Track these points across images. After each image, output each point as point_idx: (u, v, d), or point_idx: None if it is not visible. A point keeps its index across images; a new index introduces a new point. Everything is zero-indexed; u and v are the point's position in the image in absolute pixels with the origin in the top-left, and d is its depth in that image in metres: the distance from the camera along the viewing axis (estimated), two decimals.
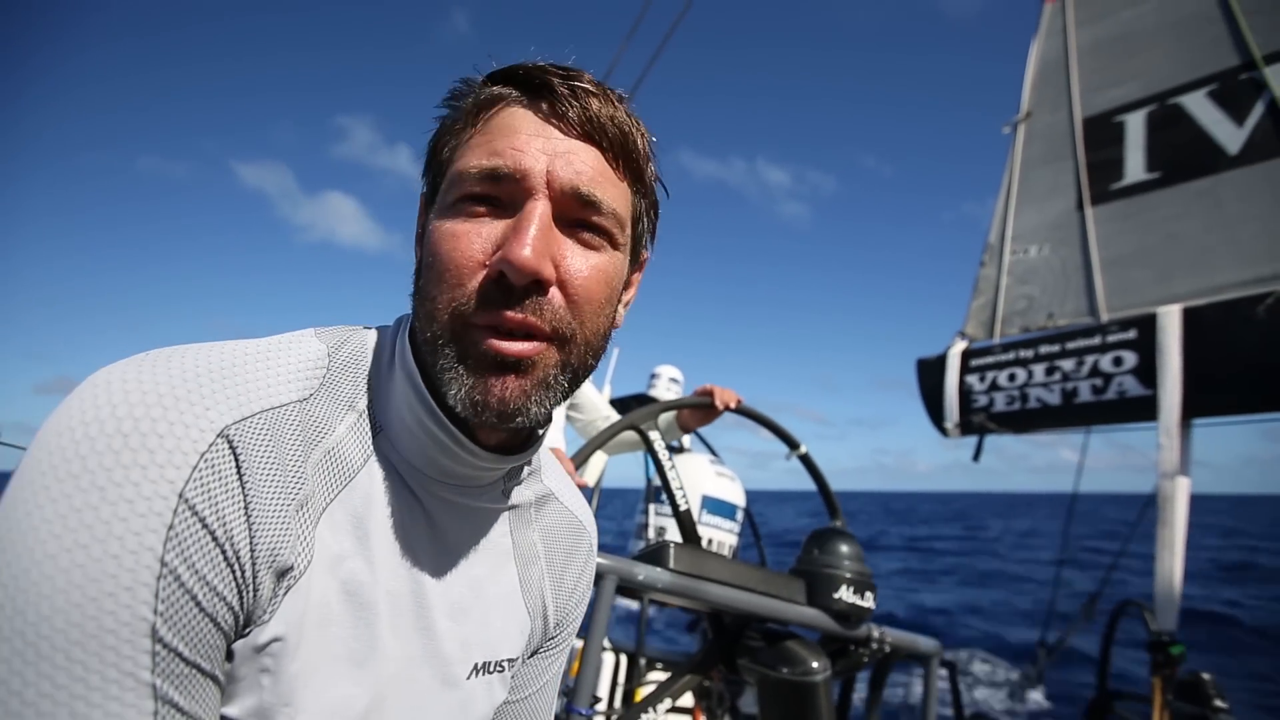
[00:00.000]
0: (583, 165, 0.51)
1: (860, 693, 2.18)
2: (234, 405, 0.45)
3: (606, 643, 2.97)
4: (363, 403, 0.54)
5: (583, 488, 1.75)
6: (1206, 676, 2.30)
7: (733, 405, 1.93)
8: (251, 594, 0.45)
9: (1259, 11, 2.91)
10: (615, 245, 0.54)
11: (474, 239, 0.50)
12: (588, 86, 0.52)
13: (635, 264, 0.62)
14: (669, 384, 3.33)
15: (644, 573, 1.44)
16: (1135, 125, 3.14)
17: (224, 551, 0.43)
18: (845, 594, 1.61)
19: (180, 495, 0.41)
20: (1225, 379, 2.44)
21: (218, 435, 0.43)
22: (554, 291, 0.51)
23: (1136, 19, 3.33)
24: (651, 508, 2.77)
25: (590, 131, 0.52)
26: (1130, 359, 2.62)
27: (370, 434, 0.54)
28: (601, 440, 1.69)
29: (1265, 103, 2.78)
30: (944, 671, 2.44)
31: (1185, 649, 2.27)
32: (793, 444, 1.98)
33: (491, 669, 0.64)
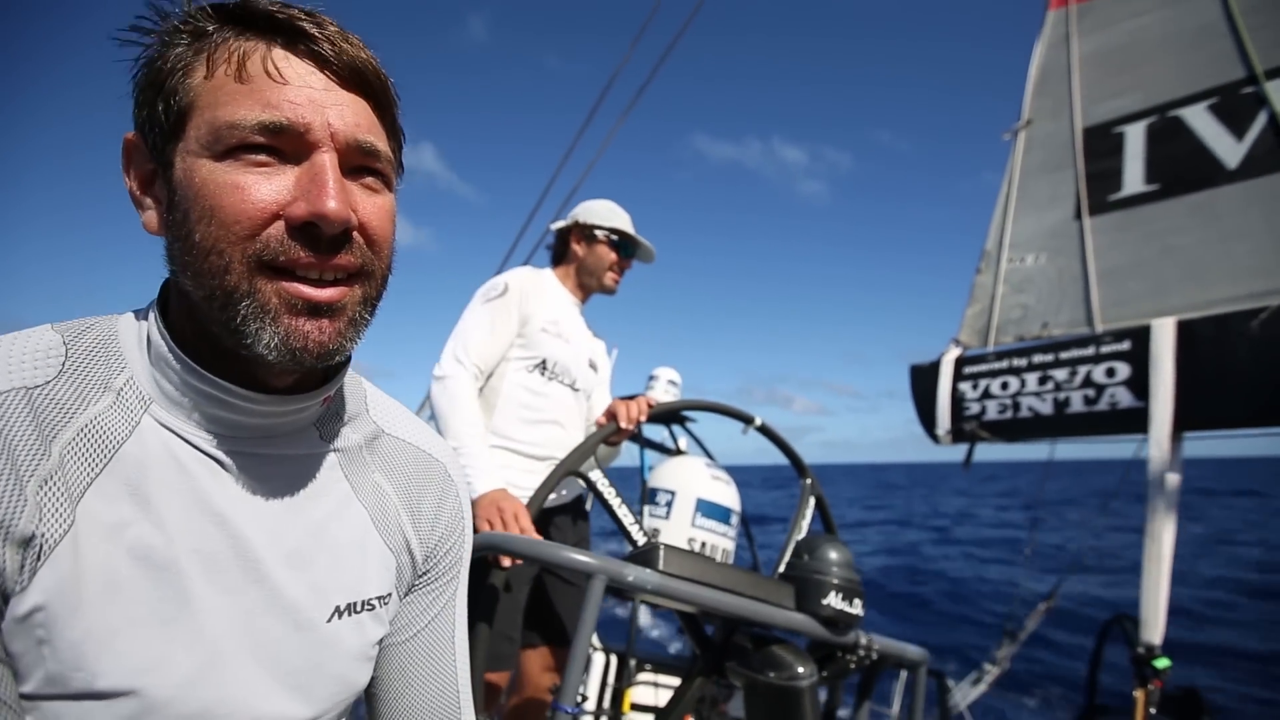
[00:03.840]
0: (357, 117, 0.55)
1: (848, 699, 2.19)
2: None
3: (597, 642, 2.98)
4: (120, 380, 0.56)
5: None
6: (1196, 690, 2.31)
7: (643, 419, 1.84)
8: None
9: (1263, 27, 2.92)
10: (390, 186, 0.59)
11: (262, 189, 0.51)
12: (341, 31, 0.54)
13: None
14: (667, 386, 3.33)
15: (633, 574, 1.44)
16: (1135, 136, 3.14)
17: None
18: (833, 600, 1.62)
19: None
20: (1217, 392, 2.45)
21: None
22: (355, 235, 0.55)
23: (1140, 30, 3.34)
24: (646, 509, 2.78)
25: (356, 81, 0.55)
26: (1123, 370, 2.63)
27: (139, 407, 0.56)
28: (544, 493, 1.69)
29: (1266, 117, 2.78)
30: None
31: (1171, 663, 2.28)
32: (746, 419, 1.97)
33: (359, 609, 0.67)
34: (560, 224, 2.17)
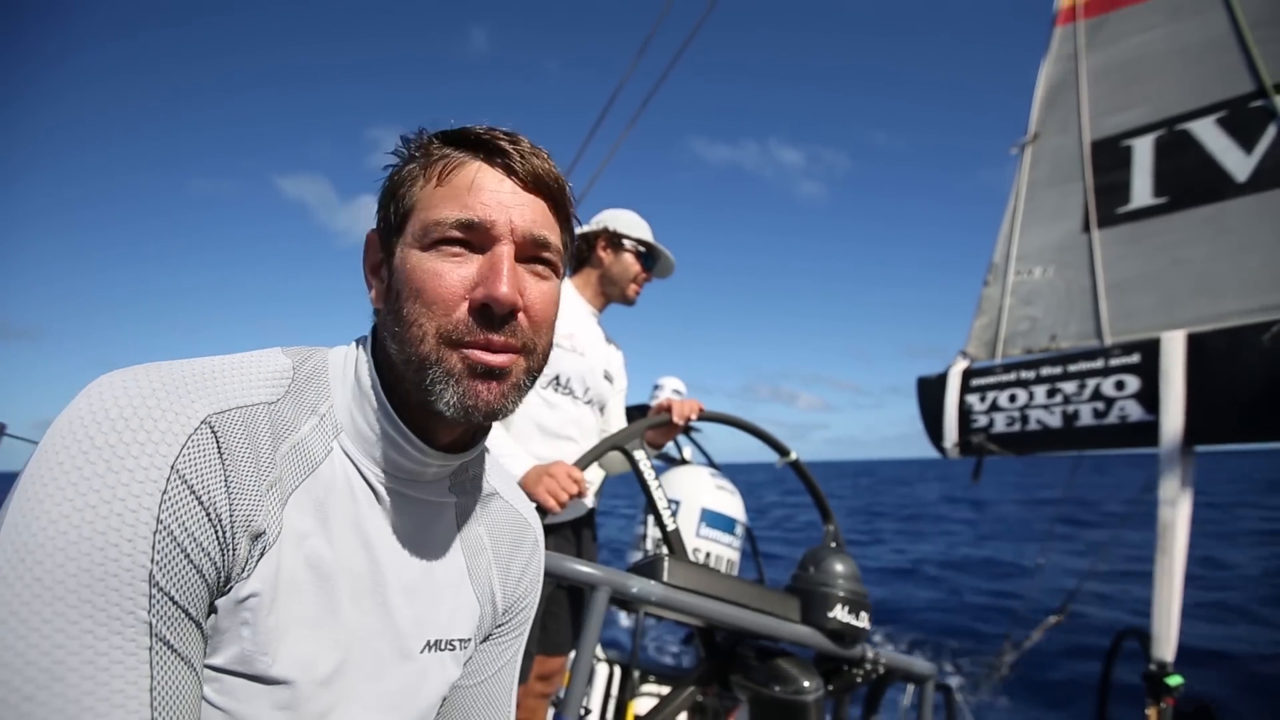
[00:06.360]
0: (534, 215, 0.65)
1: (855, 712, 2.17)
2: (214, 400, 0.56)
3: (600, 653, 2.96)
4: (324, 407, 0.65)
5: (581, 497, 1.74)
6: (1210, 706, 2.27)
7: (693, 417, 1.88)
8: (231, 553, 0.54)
9: (1272, 40, 2.92)
10: (557, 273, 0.69)
11: (454, 276, 0.62)
12: (531, 148, 0.66)
13: None
14: (673, 394, 3.33)
15: (638, 585, 1.44)
16: (1143, 150, 3.14)
17: (208, 514, 0.52)
18: (840, 613, 1.60)
19: (172, 467, 0.51)
20: (1228, 406, 2.43)
21: (202, 422, 0.54)
22: (520, 315, 0.63)
23: (1148, 44, 3.34)
24: (651, 519, 2.77)
25: (536, 186, 0.66)
26: (1133, 383, 2.61)
27: (331, 434, 0.65)
28: (588, 460, 1.70)
29: (1276, 130, 2.77)
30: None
31: (1183, 679, 2.25)
32: (783, 451, 1.97)
33: (443, 646, 0.74)
34: (586, 229, 2.15)
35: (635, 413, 3.24)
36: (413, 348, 0.61)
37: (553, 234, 0.66)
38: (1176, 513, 2.41)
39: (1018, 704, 6.72)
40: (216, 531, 0.53)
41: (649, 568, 1.52)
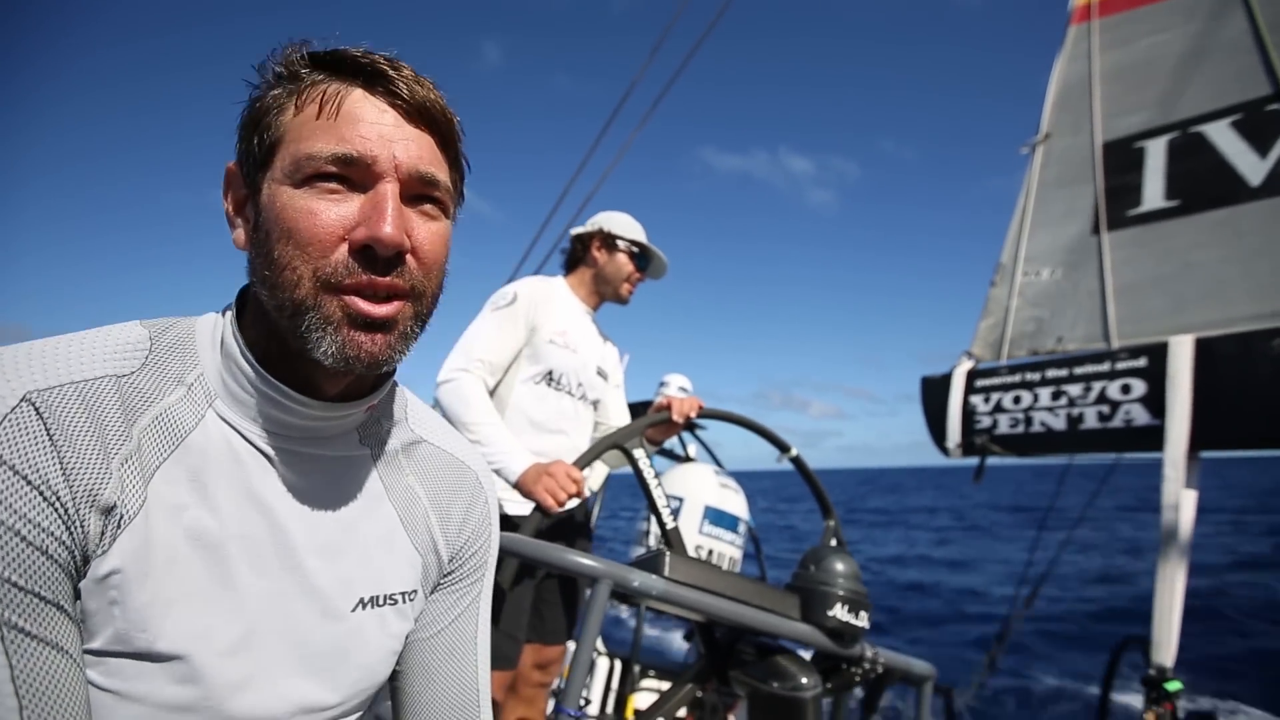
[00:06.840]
0: (420, 150, 0.60)
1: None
2: (40, 378, 0.53)
3: (601, 647, 2.98)
4: (192, 376, 0.62)
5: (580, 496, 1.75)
6: (1213, 712, 2.27)
7: (693, 415, 1.90)
8: (80, 529, 0.52)
9: None
10: (447, 214, 0.64)
11: (331, 215, 0.57)
12: (416, 76, 0.60)
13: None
14: (678, 392, 3.33)
15: (639, 579, 1.45)
16: (1156, 152, 3.11)
17: (41, 493, 0.50)
18: (839, 612, 1.61)
19: None
20: (1235, 411, 2.42)
21: (21, 400, 0.51)
22: (408, 257, 0.59)
23: (1163, 45, 3.31)
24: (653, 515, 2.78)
25: (423, 118, 0.60)
26: (1139, 387, 2.60)
27: (204, 401, 0.61)
28: (587, 459, 1.71)
29: None
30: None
31: (1183, 685, 2.24)
32: (783, 447, 1.97)
33: (382, 602, 0.71)
34: (581, 230, 2.20)
35: (638, 409, 3.24)
36: (286, 293, 0.57)
37: (441, 171, 0.61)
38: (1180, 519, 2.40)
39: (1019, 712, 6.73)
40: (56, 510, 0.51)
41: (651, 562, 1.53)
